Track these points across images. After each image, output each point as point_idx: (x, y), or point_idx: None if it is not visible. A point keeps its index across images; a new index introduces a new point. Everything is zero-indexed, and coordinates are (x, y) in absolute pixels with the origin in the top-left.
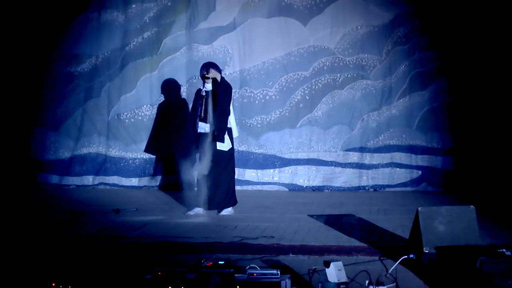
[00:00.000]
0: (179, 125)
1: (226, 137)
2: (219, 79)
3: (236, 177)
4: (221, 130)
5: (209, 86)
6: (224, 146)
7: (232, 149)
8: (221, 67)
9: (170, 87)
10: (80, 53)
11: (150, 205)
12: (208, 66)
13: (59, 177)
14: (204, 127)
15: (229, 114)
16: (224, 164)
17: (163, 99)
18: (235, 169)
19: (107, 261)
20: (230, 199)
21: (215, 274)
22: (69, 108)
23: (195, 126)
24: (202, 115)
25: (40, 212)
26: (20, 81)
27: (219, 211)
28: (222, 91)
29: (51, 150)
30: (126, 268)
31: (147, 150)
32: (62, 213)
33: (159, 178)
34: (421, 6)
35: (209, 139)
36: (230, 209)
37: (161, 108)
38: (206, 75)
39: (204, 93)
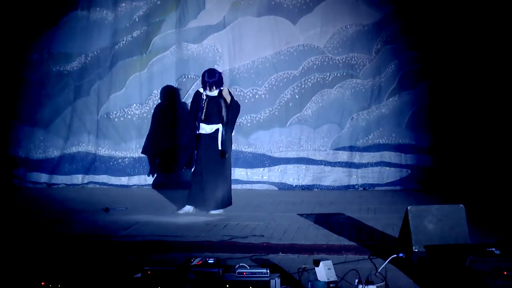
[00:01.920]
0: (170, 124)
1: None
2: (228, 100)
3: None
4: (228, 142)
5: (212, 93)
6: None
7: (230, 151)
8: (211, 66)
9: (163, 87)
10: (69, 52)
11: (140, 204)
12: (219, 82)
13: (49, 176)
14: (205, 128)
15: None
16: (223, 165)
17: (154, 98)
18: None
19: (96, 260)
20: (227, 200)
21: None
22: (58, 106)
23: (195, 127)
24: (203, 117)
25: (28, 211)
26: (5, 78)
27: (209, 210)
28: (235, 109)
29: (40, 148)
30: (116, 267)
31: (141, 149)
32: (51, 212)
33: (149, 177)
34: (409, 6)
35: (211, 140)
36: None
37: (153, 107)
38: (221, 91)
39: (205, 97)
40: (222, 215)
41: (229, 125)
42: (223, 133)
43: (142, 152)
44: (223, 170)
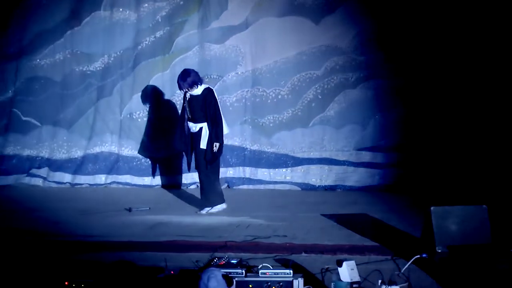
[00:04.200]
0: None
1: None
2: (200, 92)
3: (248, 176)
4: (219, 132)
5: (195, 92)
6: (205, 145)
7: (216, 149)
8: (233, 67)
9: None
10: (92, 52)
11: (163, 204)
12: (192, 83)
13: (72, 176)
14: (192, 127)
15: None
16: (207, 164)
17: (176, 98)
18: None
19: (119, 260)
20: (215, 198)
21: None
22: (81, 107)
23: (182, 128)
24: (189, 116)
25: (51, 211)
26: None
27: (199, 210)
28: (211, 98)
29: (64, 148)
30: (139, 267)
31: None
32: (74, 211)
33: (172, 177)
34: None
35: (197, 138)
36: (219, 206)
37: (173, 107)
38: (189, 91)
39: (188, 96)
40: (244, 215)
41: (209, 123)
42: (206, 131)
43: (163, 152)
44: (205, 168)
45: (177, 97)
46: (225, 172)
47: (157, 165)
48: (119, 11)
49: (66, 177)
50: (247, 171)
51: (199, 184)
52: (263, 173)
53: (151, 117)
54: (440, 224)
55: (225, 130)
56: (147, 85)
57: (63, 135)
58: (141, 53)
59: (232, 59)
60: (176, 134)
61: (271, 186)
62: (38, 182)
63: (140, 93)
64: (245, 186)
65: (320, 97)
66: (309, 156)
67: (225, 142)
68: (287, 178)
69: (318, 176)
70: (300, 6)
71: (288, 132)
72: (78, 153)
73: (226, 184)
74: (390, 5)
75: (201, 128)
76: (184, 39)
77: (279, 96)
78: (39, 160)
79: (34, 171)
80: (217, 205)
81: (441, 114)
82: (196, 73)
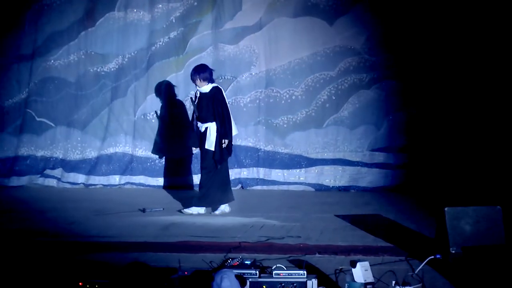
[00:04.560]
0: None
1: (215, 137)
2: (208, 89)
3: (262, 177)
4: (228, 129)
5: (204, 90)
6: (213, 146)
7: (221, 149)
8: (247, 67)
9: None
10: (106, 53)
11: (177, 204)
12: (205, 78)
13: (86, 177)
14: (200, 127)
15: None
16: (212, 163)
17: (188, 99)
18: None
19: (133, 260)
20: (221, 197)
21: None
22: (95, 107)
23: (193, 127)
24: (198, 114)
25: (65, 211)
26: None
27: (213, 210)
28: (220, 96)
29: (78, 149)
30: (153, 268)
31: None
32: (88, 212)
33: (184, 178)
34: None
35: (204, 138)
36: (223, 207)
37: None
38: (198, 86)
39: (198, 94)
40: (258, 216)
41: (218, 121)
42: (211, 132)
43: (177, 153)
44: (211, 168)
45: (188, 98)
46: (239, 172)
47: (170, 166)
48: (133, 12)
49: (80, 178)
50: (261, 172)
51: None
52: (277, 174)
53: (164, 118)
54: (454, 224)
55: (234, 131)
56: (161, 85)
57: (77, 136)
58: (155, 53)
59: (246, 60)
60: (189, 133)
61: (285, 187)
62: (52, 182)
63: (154, 94)
64: (259, 187)
65: (334, 97)
66: (323, 157)
67: (239, 142)
68: (301, 178)
69: (332, 177)
70: (313, 7)
71: (302, 132)
72: (92, 154)
73: (239, 185)
74: (403, 6)
75: (207, 128)
76: (198, 40)
77: (293, 97)
78: (53, 161)
79: (48, 171)
80: (222, 204)
81: (456, 115)
82: (211, 71)
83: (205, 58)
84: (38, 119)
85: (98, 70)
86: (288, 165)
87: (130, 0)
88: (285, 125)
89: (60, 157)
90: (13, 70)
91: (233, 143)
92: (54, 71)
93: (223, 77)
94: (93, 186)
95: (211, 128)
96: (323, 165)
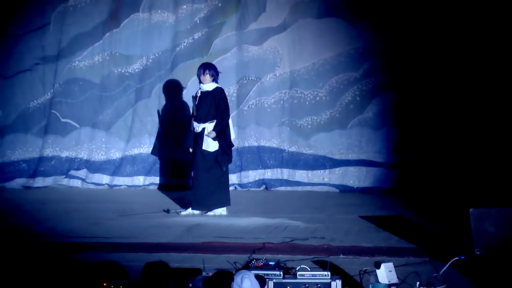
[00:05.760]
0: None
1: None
2: (211, 88)
3: (286, 178)
4: (224, 126)
5: (207, 87)
6: (210, 147)
7: (217, 151)
8: (271, 68)
9: None
10: (131, 54)
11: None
12: (211, 75)
13: (110, 177)
14: (196, 127)
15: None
16: (210, 165)
17: None
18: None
19: (156, 261)
20: (219, 200)
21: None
22: (120, 108)
23: (189, 126)
24: (196, 114)
25: (89, 211)
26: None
27: (206, 211)
28: (223, 95)
29: (102, 150)
30: (175, 269)
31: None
32: (112, 213)
33: None
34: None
35: (199, 139)
36: (221, 210)
37: None
38: (203, 81)
39: (199, 93)
40: (282, 217)
41: (218, 118)
42: (209, 132)
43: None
44: (209, 169)
45: None
46: (263, 173)
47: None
48: (157, 13)
49: (105, 179)
50: (285, 173)
51: (192, 184)
52: (301, 175)
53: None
54: (478, 226)
55: (232, 134)
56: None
57: (102, 137)
58: (179, 55)
59: (270, 61)
60: (187, 133)
61: (309, 188)
62: (77, 183)
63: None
64: (282, 188)
65: (358, 98)
66: (347, 158)
67: (263, 143)
68: (325, 179)
69: (356, 178)
70: (337, 8)
71: (326, 133)
72: (116, 155)
73: (263, 186)
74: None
75: (203, 129)
76: (222, 41)
77: (317, 98)
78: (77, 162)
79: (72, 172)
80: (218, 208)
81: (479, 116)
82: (218, 72)
83: (229, 59)
84: (62, 120)
85: (123, 71)
86: (312, 166)
87: (154, 1)
88: (309, 126)
89: (85, 158)
90: (38, 71)
91: (256, 144)
92: (79, 72)
93: (247, 78)
94: (117, 187)
95: (208, 129)
96: (347, 166)
